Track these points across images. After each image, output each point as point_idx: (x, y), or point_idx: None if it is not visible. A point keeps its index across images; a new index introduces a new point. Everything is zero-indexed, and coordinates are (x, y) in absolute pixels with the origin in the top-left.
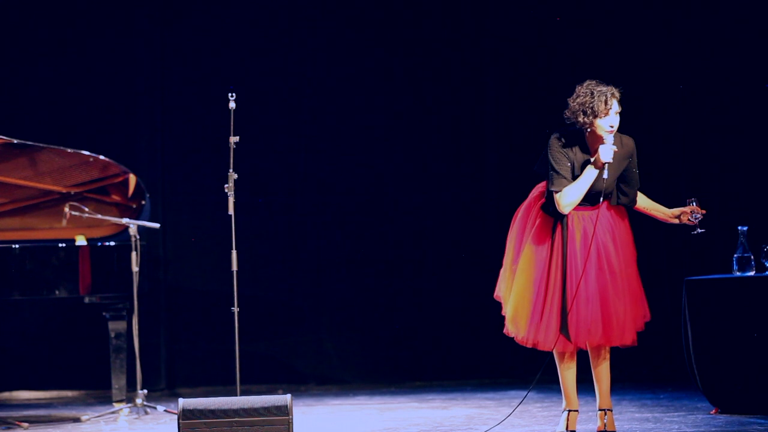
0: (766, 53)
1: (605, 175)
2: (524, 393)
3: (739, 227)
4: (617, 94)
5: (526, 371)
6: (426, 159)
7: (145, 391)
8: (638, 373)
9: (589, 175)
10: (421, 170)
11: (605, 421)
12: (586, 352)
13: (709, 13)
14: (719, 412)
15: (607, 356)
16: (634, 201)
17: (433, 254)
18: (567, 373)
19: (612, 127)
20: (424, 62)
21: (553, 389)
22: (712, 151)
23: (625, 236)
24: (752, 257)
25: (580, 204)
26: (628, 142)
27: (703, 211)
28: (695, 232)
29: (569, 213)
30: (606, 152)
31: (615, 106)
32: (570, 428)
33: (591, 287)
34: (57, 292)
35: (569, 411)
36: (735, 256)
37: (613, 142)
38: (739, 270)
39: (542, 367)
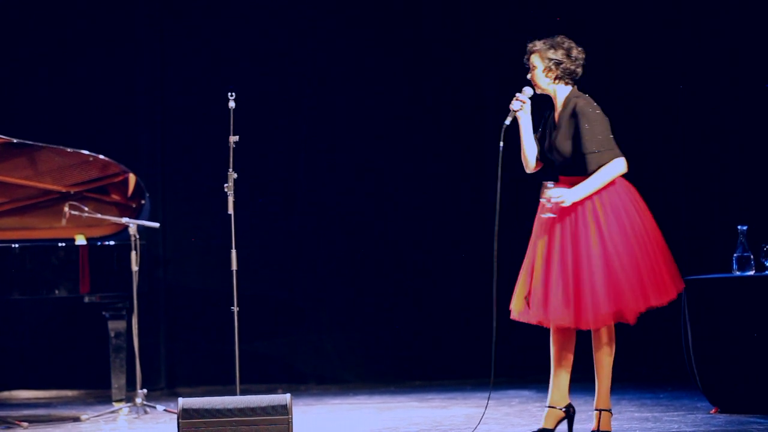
0: (766, 53)
1: (506, 122)
2: (524, 392)
3: (739, 226)
4: (532, 48)
5: (525, 371)
6: (426, 159)
7: (145, 390)
8: (638, 373)
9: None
10: (421, 170)
11: (599, 421)
12: (585, 350)
13: (709, 13)
14: (719, 412)
15: (602, 353)
16: (583, 167)
17: (433, 254)
18: (554, 368)
19: (529, 79)
20: (424, 62)
21: None
22: (712, 151)
23: (608, 208)
24: (752, 257)
25: (563, 174)
26: (577, 102)
27: (551, 201)
28: (544, 215)
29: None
30: (513, 101)
31: (532, 61)
32: (545, 426)
33: (553, 262)
34: (57, 292)
35: (547, 408)
36: (735, 255)
37: (529, 94)
38: (738, 269)
39: (493, 364)
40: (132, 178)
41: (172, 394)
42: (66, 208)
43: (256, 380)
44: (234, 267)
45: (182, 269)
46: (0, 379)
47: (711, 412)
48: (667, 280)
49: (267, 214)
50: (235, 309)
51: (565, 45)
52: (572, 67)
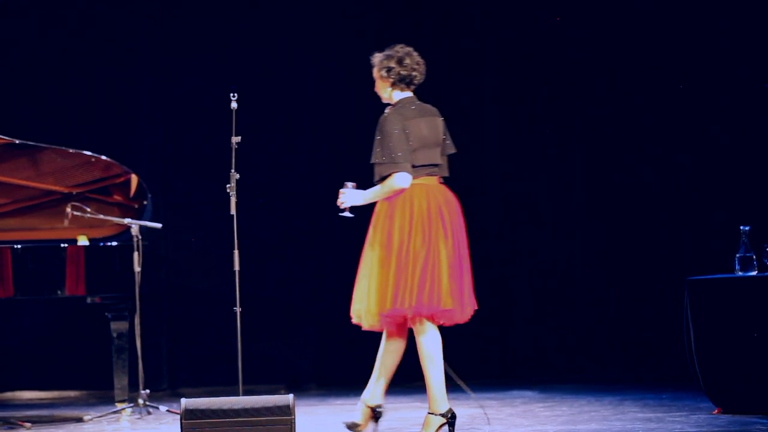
0: (766, 53)
1: (347, 214)
2: (528, 393)
3: (741, 227)
4: (372, 61)
5: (528, 371)
6: None
7: (148, 391)
8: (640, 373)
9: None
10: None
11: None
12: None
13: (709, 12)
14: (722, 412)
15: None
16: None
17: None
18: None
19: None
20: (426, 61)
21: (556, 389)
22: (713, 150)
23: (379, 214)
24: (754, 257)
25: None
26: (387, 111)
27: (339, 202)
28: (340, 214)
29: None
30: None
31: (374, 73)
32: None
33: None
34: (59, 292)
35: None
36: (737, 255)
37: (349, 187)
38: (741, 270)
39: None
40: (134, 179)
41: (174, 395)
42: (68, 209)
43: (259, 381)
44: (236, 267)
45: (185, 270)
46: (2, 379)
47: (714, 412)
48: (401, 295)
49: (269, 214)
50: (238, 309)
51: (400, 53)
52: (404, 73)
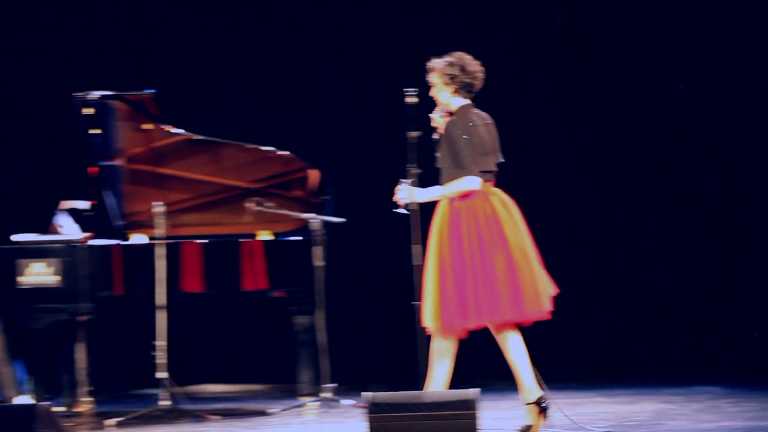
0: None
1: (401, 210)
2: (713, 389)
3: None
4: (431, 66)
5: (712, 366)
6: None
7: (334, 384)
8: None
9: None
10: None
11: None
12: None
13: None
14: None
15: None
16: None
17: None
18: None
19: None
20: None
21: (742, 384)
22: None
23: (444, 217)
24: None
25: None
26: (452, 118)
27: (395, 198)
28: (395, 210)
29: None
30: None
31: (431, 79)
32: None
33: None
34: (241, 286)
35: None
36: None
37: (439, 114)
38: None
39: None
40: (315, 174)
41: (357, 389)
42: (249, 204)
43: None
44: (415, 262)
45: (366, 264)
46: (189, 373)
47: None
48: (498, 302)
49: None
50: (417, 304)
51: (462, 61)
52: (467, 80)
